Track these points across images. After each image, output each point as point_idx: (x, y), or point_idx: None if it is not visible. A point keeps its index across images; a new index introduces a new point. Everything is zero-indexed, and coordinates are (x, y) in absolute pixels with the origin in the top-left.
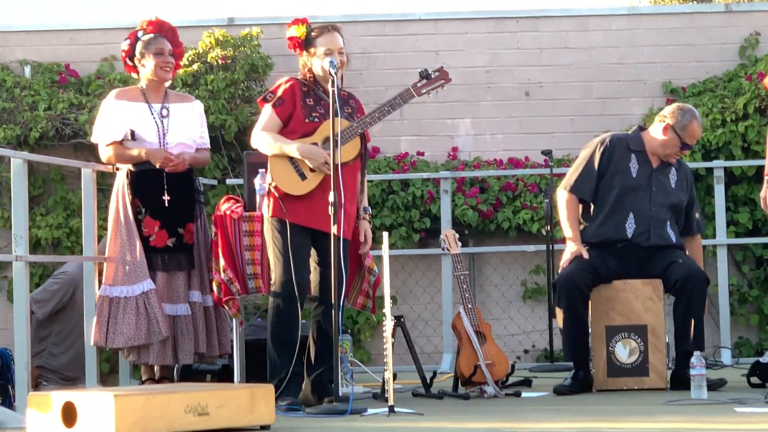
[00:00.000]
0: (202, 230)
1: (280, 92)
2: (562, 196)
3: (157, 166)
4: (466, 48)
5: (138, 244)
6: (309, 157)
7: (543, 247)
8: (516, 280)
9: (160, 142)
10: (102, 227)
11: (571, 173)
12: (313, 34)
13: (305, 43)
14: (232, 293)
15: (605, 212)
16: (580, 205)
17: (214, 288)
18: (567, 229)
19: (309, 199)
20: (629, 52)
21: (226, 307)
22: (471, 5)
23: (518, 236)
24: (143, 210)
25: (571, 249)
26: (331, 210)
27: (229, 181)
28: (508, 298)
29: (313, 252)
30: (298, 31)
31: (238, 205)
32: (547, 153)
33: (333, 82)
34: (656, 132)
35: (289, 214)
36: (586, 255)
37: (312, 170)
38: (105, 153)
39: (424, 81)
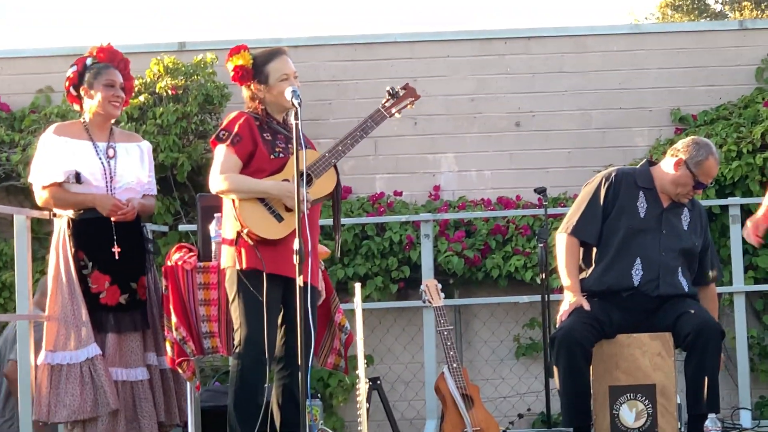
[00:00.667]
0: (154, 284)
1: (235, 128)
2: (561, 239)
3: (105, 215)
4: (448, 73)
5: (82, 302)
6: (286, 195)
7: (538, 297)
8: (508, 335)
9: (107, 187)
10: (38, 281)
11: (572, 214)
12: (260, 60)
13: (253, 72)
14: (186, 354)
15: (609, 257)
16: (581, 250)
17: (167, 348)
18: (565, 277)
19: (283, 244)
20: (632, 76)
21: (179, 369)
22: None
23: (510, 286)
24: (90, 264)
25: (569, 299)
26: (296, 258)
27: (181, 227)
28: (499, 355)
29: None
30: (244, 60)
31: (192, 254)
32: (540, 191)
33: (297, 114)
34: (667, 167)
35: (265, 262)
36: (587, 306)
37: (288, 210)
38: (42, 196)
39: (393, 100)
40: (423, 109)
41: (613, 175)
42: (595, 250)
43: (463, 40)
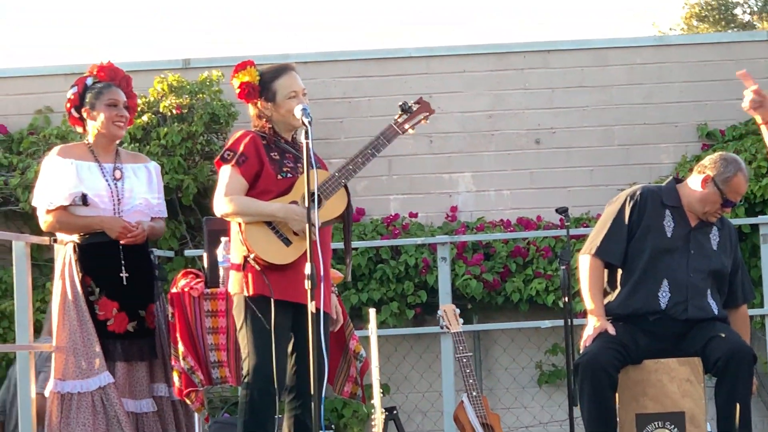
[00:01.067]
0: (162, 312)
1: (241, 148)
2: (584, 261)
3: (113, 237)
4: (464, 89)
5: (92, 329)
6: (293, 218)
7: (560, 322)
8: (529, 361)
9: (114, 209)
10: (39, 310)
11: (596, 234)
12: (268, 77)
13: (261, 90)
14: (195, 384)
15: (635, 279)
16: (605, 272)
17: (175, 378)
18: (589, 300)
19: (293, 269)
20: (657, 90)
21: (187, 400)
22: (469, 39)
23: (531, 310)
24: (97, 290)
25: (593, 324)
26: (307, 284)
27: (187, 253)
28: (521, 383)
29: None
30: (251, 76)
31: (198, 280)
32: (562, 211)
33: (307, 133)
34: (694, 185)
35: (273, 288)
36: (612, 330)
37: (296, 233)
38: (46, 220)
39: (406, 115)
40: (439, 126)
41: (638, 193)
42: (620, 271)
43: (479, 54)
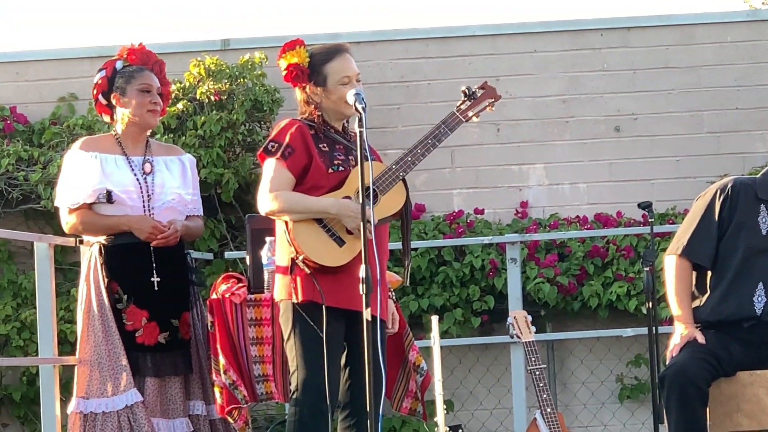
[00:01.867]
0: (200, 321)
1: (287, 139)
2: (670, 262)
3: (142, 239)
4: (535, 71)
5: (119, 341)
6: (347, 215)
7: (644, 330)
8: (609, 374)
9: (144, 207)
10: (63, 319)
11: (682, 232)
12: (318, 59)
13: (310, 73)
14: (237, 401)
15: (727, 282)
16: (693, 274)
17: (216, 394)
18: (676, 306)
19: (345, 272)
20: (751, 71)
21: (229, 418)
22: (541, 15)
23: (611, 317)
24: (125, 297)
25: (681, 332)
26: (362, 288)
27: (228, 254)
28: (600, 398)
29: None
30: (300, 57)
31: (241, 285)
32: (645, 206)
33: (361, 120)
34: None
35: (324, 294)
36: (701, 339)
37: (350, 232)
38: (69, 221)
39: (469, 102)
40: (507, 113)
41: (729, 186)
42: (709, 274)
43: (552, 33)
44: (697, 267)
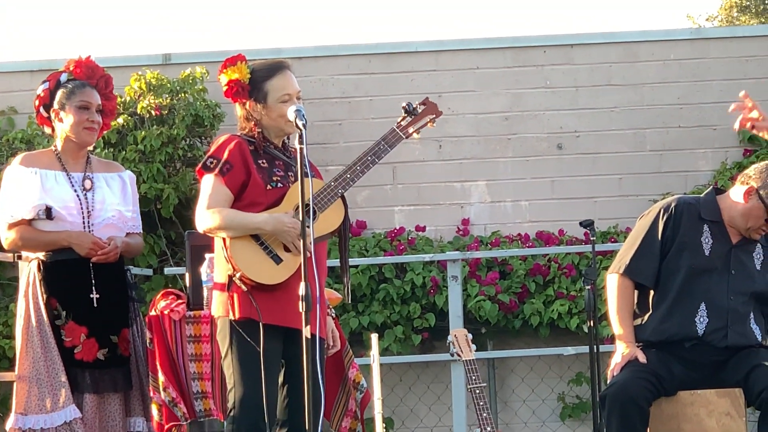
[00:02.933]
0: (140, 337)
1: (225, 155)
2: (612, 281)
3: (82, 254)
4: (478, 88)
5: (58, 358)
6: (282, 230)
7: (585, 348)
8: (551, 393)
9: (84, 223)
10: (1, 334)
11: (625, 251)
12: (259, 75)
13: (251, 89)
14: (177, 418)
15: (669, 302)
16: (635, 293)
17: (154, 412)
18: (617, 324)
19: (283, 289)
20: (694, 89)
21: None
22: (483, 32)
23: (552, 335)
24: (63, 313)
25: (622, 351)
26: (301, 306)
27: (167, 270)
28: (541, 417)
29: None
30: (241, 73)
31: (180, 301)
32: (587, 224)
33: (302, 137)
34: (736, 196)
35: (262, 311)
36: (642, 358)
37: (287, 249)
38: (8, 237)
39: (410, 118)
40: (449, 129)
41: (673, 205)
42: (652, 293)
43: (495, 49)
44: (639, 286)
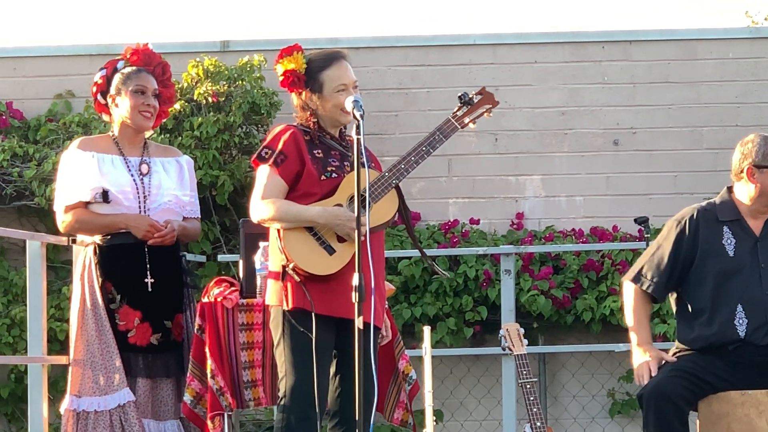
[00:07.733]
0: (193, 323)
1: (279, 145)
2: (628, 288)
3: (139, 237)
4: (535, 82)
5: (112, 341)
6: (335, 223)
7: None
8: (601, 389)
9: (140, 207)
10: (53, 317)
11: (640, 259)
12: (315, 65)
13: (307, 79)
14: (222, 407)
15: (707, 312)
16: (667, 300)
17: (186, 398)
18: (632, 331)
19: (337, 279)
20: (752, 88)
21: (210, 424)
22: (542, 26)
23: (604, 331)
24: (118, 297)
25: (642, 356)
26: (354, 297)
27: (221, 257)
28: (591, 413)
29: None
30: (297, 63)
31: (233, 289)
32: (642, 221)
33: (359, 127)
34: (743, 184)
35: (315, 302)
36: (670, 358)
37: (341, 240)
38: (65, 220)
39: (466, 108)
40: (505, 123)
41: (686, 218)
42: (689, 305)
43: (553, 44)
44: (677, 296)
